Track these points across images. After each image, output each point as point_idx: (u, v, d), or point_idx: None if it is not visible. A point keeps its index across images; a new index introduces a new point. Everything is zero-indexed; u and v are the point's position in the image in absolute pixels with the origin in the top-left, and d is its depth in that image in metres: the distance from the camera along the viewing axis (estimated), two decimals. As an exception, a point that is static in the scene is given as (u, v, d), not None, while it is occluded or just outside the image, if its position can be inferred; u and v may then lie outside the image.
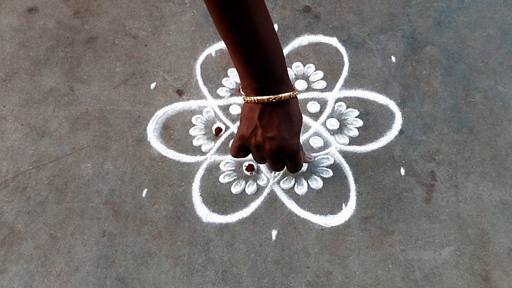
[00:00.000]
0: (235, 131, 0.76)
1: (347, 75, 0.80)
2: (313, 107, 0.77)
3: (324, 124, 0.76)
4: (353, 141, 0.74)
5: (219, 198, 0.71)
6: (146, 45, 0.85)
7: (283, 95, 0.54)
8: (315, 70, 0.81)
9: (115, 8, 0.89)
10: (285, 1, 0.88)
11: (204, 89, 0.80)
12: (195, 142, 0.75)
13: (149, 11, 0.89)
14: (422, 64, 0.80)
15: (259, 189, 0.71)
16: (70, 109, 0.79)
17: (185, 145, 0.75)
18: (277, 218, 0.69)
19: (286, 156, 0.59)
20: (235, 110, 0.78)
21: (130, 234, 0.69)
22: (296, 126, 0.57)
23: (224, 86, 0.80)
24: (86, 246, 0.68)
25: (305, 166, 0.72)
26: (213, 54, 0.83)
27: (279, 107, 0.55)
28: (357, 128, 0.75)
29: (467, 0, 0.87)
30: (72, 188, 0.72)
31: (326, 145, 0.74)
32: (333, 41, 0.83)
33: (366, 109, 0.77)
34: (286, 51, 0.83)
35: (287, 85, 0.56)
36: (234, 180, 0.72)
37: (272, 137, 0.56)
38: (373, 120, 0.76)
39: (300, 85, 0.79)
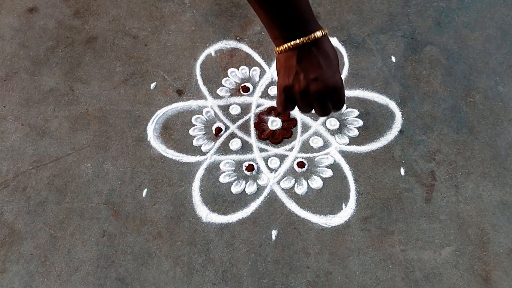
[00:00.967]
0: (235, 131, 0.76)
1: (347, 75, 0.80)
2: (313, 107, 0.77)
3: (324, 124, 0.76)
4: (353, 141, 0.74)
5: (219, 198, 0.71)
6: (146, 45, 0.85)
7: (316, 33, 0.55)
8: (315, 70, 0.81)
9: (115, 8, 0.89)
10: (285, 1, 0.88)
11: (204, 89, 0.80)
12: (195, 142, 0.75)
13: (149, 11, 0.89)
14: (422, 64, 0.80)
15: (259, 189, 0.71)
16: (70, 109, 0.79)
17: (185, 145, 0.75)
18: (277, 218, 0.69)
19: (333, 94, 0.59)
20: (235, 110, 0.78)
21: (130, 234, 0.69)
22: (334, 61, 0.58)
23: (224, 86, 0.80)
24: (86, 246, 0.68)
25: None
26: (213, 54, 0.83)
27: (315, 47, 0.56)
28: (357, 128, 0.75)
29: (467, 0, 0.87)
30: (72, 188, 0.72)
31: (326, 145, 0.74)
32: (333, 41, 0.83)
33: (366, 109, 0.77)
34: (286, 51, 0.83)
35: (317, 24, 0.57)
36: (234, 180, 0.72)
37: (316, 77, 0.56)
38: (373, 120, 0.76)
39: (300, 85, 0.79)
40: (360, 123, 0.75)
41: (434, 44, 0.82)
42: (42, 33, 0.87)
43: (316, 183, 0.71)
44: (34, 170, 0.74)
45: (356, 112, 0.76)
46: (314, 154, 0.73)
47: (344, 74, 0.80)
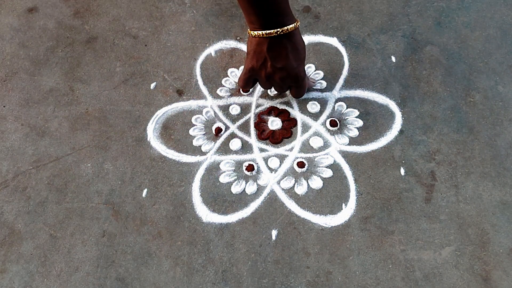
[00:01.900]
0: (235, 131, 0.76)
1: (347, 75, 0.80)
2: (313, 107, 0.77)
3: (324, 124, 0.76)
4: (353, 141, 0.74)
5: (219, 198, 0.71)
6: (146, 45, 0.85)
7: (289, 26, 0.60)
8: (315, 70, 0.81)
9: (115, 8, 0.89)
10: (285, 1, 0.88)
11: (204, 89, 0.80)
12: (195, 142, 0.75)
13: (149, 11, 0.89)
14: (422, 64, 0.80)
15: (259, 189, 0.71)
16: (70, 109, 0.79)
17: (185, 145, 0.75)
18: (277, 218, 0.69)
19: (294, 82, 0.66)
20: (235, 110, 0.78)
21: (130, 234, 0.69)
22: (301, 53, 0.63)
23: (224, 86, 0.80)
24: (86, 246, 0.68)
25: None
26: (213, 54, 0.84)
27: (286, 38, 0.60)
28: (357, 128, 0.75)
29: (467, 0, 0.87)
30: (72, 188, 0.72)
31: (326, 145, 0.74)
32: (333, 41, 0.83)
33: (366, 109, 0.77)
34: (286, 51, 0.83)
35: (291, 16, 0.60)
36: (234, 180, 0.72)
37: (282, 67, 0.62)
38: (373, 120, 0.76)
39: (300, 85, 0.79)
40: (360, 123, 0.75)
41: (434, 44, 0.82)
42: (42, 33, 0.87)
43: (316, 183, 0.71)
44: (34, 170, 0.74)
45: (356, 112, 0.76)
46: (314, 154, 0.73)
47: (344, 74, 0.80)
